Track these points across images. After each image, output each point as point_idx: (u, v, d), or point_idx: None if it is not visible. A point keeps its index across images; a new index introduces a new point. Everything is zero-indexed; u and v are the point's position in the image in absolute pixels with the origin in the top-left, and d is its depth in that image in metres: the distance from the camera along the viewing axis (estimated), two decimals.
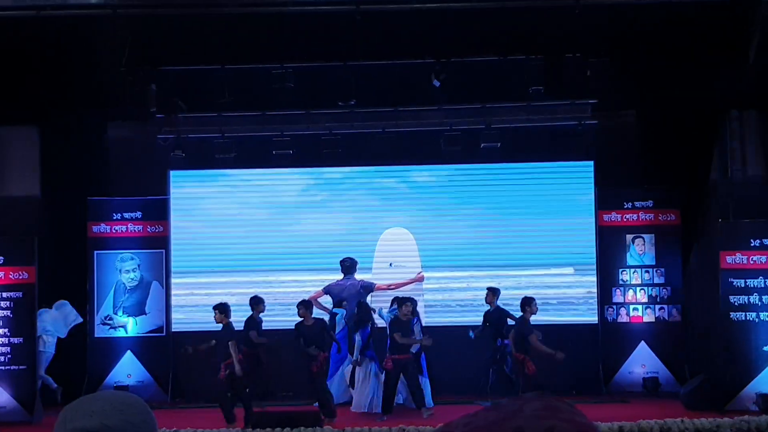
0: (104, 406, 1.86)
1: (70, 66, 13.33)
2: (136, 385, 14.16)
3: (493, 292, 13.09)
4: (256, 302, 12.39)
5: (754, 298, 12.75)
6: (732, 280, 12.83)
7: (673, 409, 11.73)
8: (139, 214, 14.70)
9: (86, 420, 1.84)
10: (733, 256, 12.93)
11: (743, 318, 12.57)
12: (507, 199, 15.03)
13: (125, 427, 1.84)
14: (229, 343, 11.49)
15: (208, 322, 13.48)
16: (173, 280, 14.77)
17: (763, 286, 12.82)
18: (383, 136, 14.44)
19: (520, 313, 12.49)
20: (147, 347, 14.35)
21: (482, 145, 14.27)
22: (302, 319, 11.93)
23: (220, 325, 11.80)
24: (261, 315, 12.44)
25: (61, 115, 14.58)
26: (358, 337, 12.65)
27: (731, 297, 12.66)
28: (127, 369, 14.37)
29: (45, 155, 14.69)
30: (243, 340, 11.85)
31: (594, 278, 14.74)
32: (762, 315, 12.78)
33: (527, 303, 12.40)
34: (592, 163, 14.78)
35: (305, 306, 12.11)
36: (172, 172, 14.87)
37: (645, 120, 14.86)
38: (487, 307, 13.19)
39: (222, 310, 11.68)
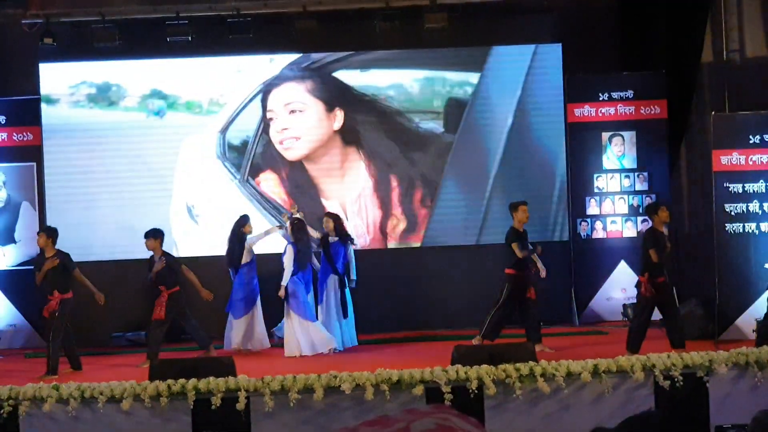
0: None
1: None
2: (5, 329, 13.10)
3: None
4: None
5: (753, 206, 11.93)
6: (727, 184, 12.03)
7: (658, 341, 10.85)
8: (2, 119, 13.39)
9: None
10: (729, 156, 12.08)
11: (741, 230, 11.86)
12: (458, 91, 14.08)
13: None
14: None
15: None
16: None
17: (764, 191, 11.94)
18: (304, 17, 13.23)
19: None
20: (19, 284, 12.96)
21: (426, 25, 13.30)
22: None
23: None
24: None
25: None
26: None
27: (727, 205, 11.92)
28: None
29: None
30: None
31: (564, 186, 13.97)
32: (763, 226, 11.94)
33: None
34: (559, 46, 13.98)
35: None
36: (41, 65, 13.53)
37: None
38: None
39: (156, 235, 11.59)
